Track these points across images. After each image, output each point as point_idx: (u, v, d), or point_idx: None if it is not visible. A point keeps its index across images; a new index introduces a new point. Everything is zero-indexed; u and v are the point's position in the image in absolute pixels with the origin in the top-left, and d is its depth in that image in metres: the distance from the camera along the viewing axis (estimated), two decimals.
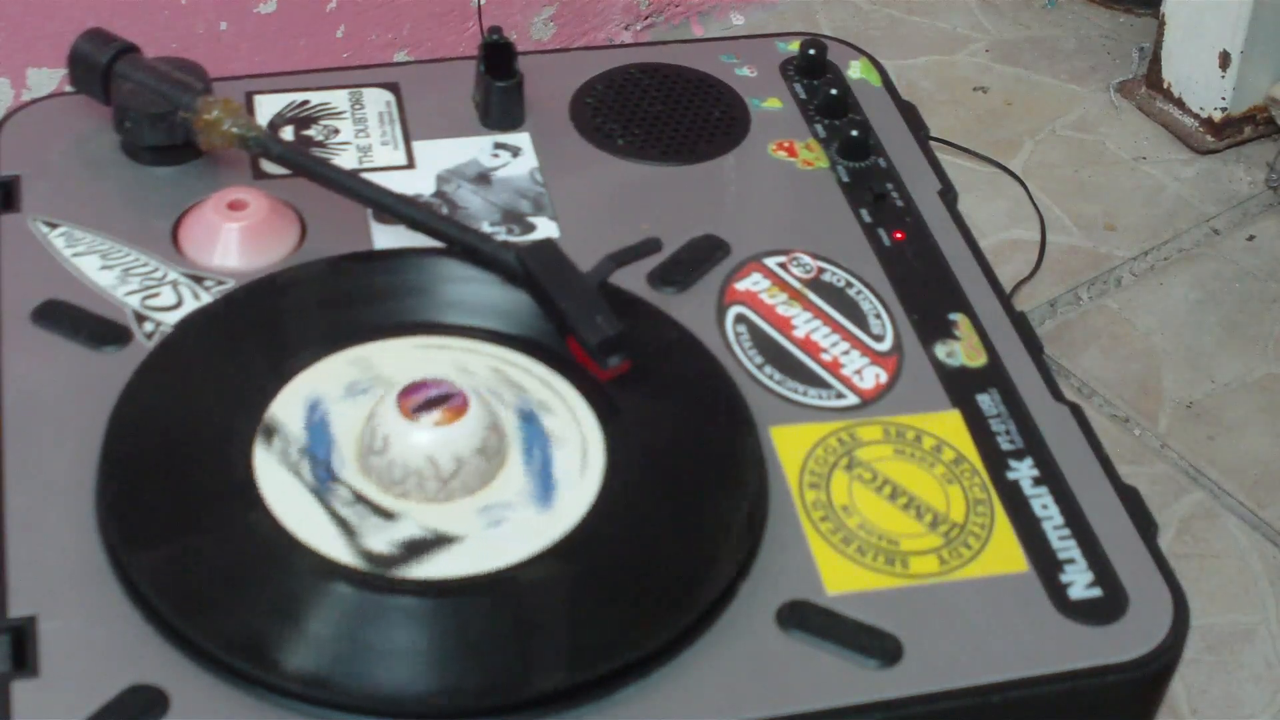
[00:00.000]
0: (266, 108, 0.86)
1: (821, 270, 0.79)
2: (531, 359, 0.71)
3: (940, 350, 0.75)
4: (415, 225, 0.76)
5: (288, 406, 0.69)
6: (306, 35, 1.40)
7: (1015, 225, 1.43)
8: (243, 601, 0.61)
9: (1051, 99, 1.59)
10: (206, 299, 0.74)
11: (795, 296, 0.77)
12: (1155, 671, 0.64)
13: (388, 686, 0.59)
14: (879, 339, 0.76)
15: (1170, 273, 1.41)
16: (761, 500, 0.67)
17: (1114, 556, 0.67)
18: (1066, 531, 0.68)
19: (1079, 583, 0.66)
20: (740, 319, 0.76)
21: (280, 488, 0.65)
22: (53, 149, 0.82)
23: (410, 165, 0.83)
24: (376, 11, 1.43)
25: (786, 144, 0.87)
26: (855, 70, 0.93)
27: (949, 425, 0.72)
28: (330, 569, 0.62)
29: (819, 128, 0.88)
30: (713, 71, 0.91)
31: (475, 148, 0.85)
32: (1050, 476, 0.70)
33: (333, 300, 0.74)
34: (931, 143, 0.89)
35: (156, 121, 0.79)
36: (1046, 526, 0.68)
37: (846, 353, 0.75)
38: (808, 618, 0.63)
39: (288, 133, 0.84)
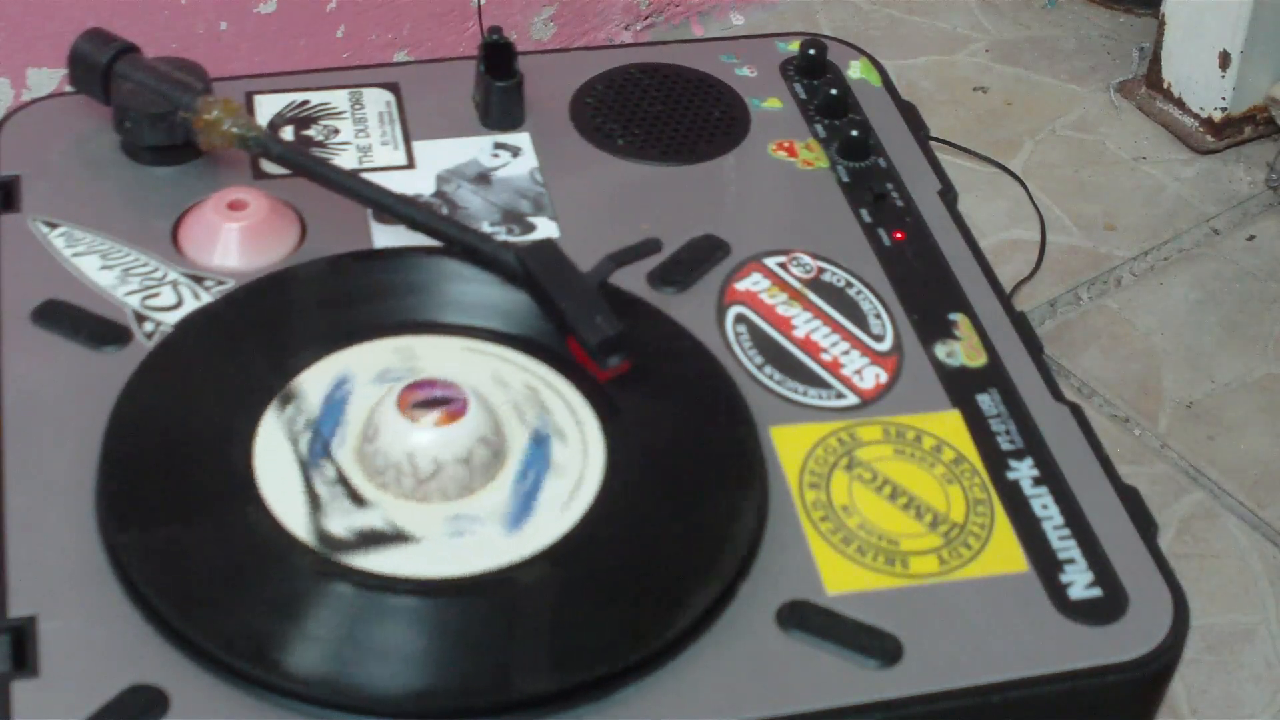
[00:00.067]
0: (266, 108, 0.86)
1: (821, 270, 0.79)
2: (566, 380, 0.70)
3: (940, 350, 0.75)
4: (415, 225, 0.76)
5: (317, 379, 0.69)
6: (306, 35, 1.40)
7: (1015, 225, 1.43)
8: (243, 601, 0.61)
9: (1051, 99, 1.59)
10: (206, 299, 0.74)
11: (795, 296, 0.77)
12: (1155, 671, 0.64)
13: (387, 686, 0.59)
14: (879, 339, 0.76)
15: (1170, 273, 1.41)
16: (761, 500, 0.67)
17: (1114, 556, 0.67)
18: (1066, 531, 0.68)
19: (1079, 583, 0.66)
20: (740, 319, 0.76)
21: (270, 453, 0.66)
22: (53, 149, 0.82)
23: (410, 165, 0.83)
24: (376, 11, 1.43)
25: (786, 144, 0.87)
26: (855, 70, 0.93)
27: (949, 425, 0.72)
28: (278, 540, 0.62)
29: (819, 128, 0.88)
30: (713, 71, 0.91)
31: (475, 148, 0.85)
32: (1050, 476, 0.70)
33: (333, 300, 0.74)
34: (931, 143, 0.89)
35: (156, 121, 0.79)
36: (1046, 526, 0.68)
37: (846, 353, 0.75)
38: (808, 618, 0.63)
39: (288, 133, 0.84)
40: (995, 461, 0.70)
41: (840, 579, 0.65)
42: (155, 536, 0.63)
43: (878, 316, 0.77)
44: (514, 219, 0.81)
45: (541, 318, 0.72)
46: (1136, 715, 0.66)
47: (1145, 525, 0.68)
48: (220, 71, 0.84)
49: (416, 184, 0.82)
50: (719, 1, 1.65)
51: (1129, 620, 0.64)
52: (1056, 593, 0.65)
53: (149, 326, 0.73)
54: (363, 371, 0.70)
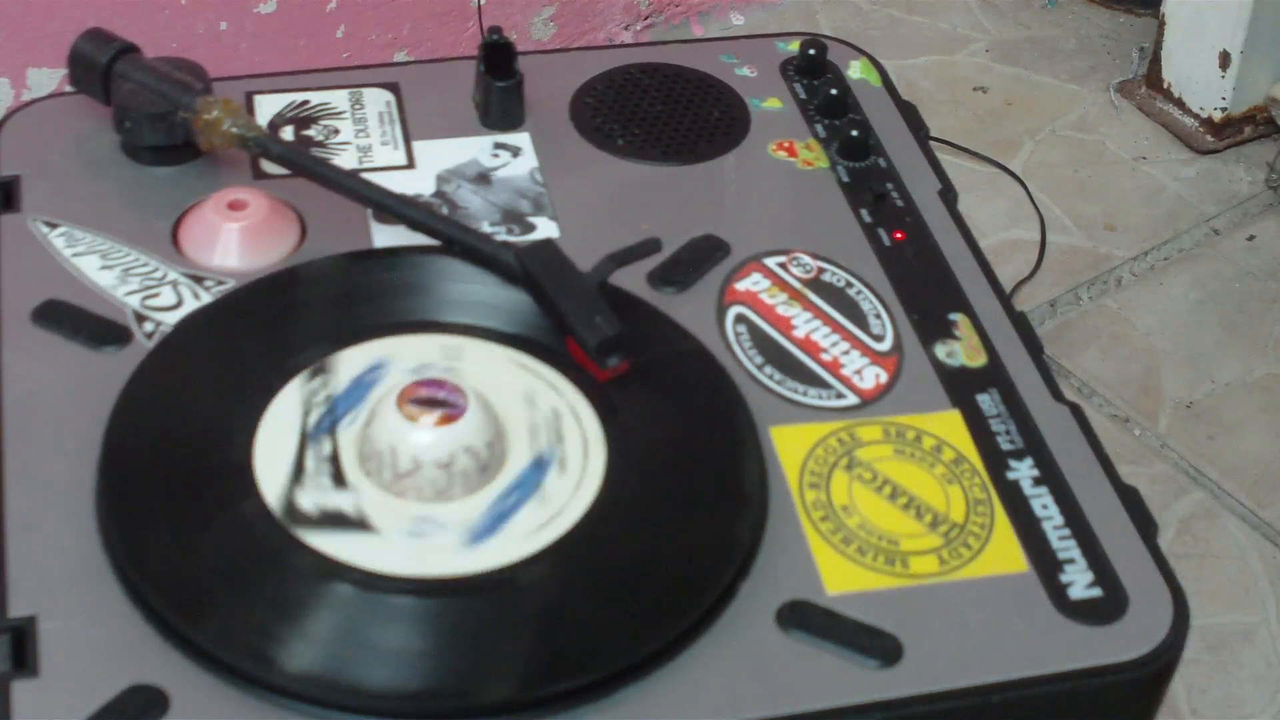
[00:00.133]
0: (266, 108, 0.86)
1: (821, 270, 0.79)
2: (595, 414, 0.70)
3: (940, 350, 0.75)
4: (415, 225, 0.76)
5: (355, 359, 0.70)
6: (306, 35, 1.40)
7: (1015, 225, 1.43)
8: (243, 601, 0.61)
9: (1051, 99, 1.59)
10: (206, 299, 0.74)
11: (795, 296, 0.77)
12: (1155, 671, 0.64)
13: (388, 687, 0.59)
14: (879, 339, 0.76)
15: (1170, 273, 1.41)
16: (761, 500, 0.67)
17: (1114, 556, 0.67)
18: (1066, 531, 0.68)
19: (1079, 583, 0.66)
20: (740, 319, 0.76)
21: (278, 417, 0.67)
22: (53, 149, 0.82)
23: (410, 165, 0.83)
24: (376, 11, 1.43)
25: (786, 144, 0.87)
26: (855, 70, 0.93)
27: (949, 425, 0.72)
28: (251, 507, 0.63)
29: (819, 128, 0.88)
30: (713, 71, 0.91)
31: (475, 148, 0.85)
32: (1050, 476, 0.70)
33: (333, 299, 0.74)
34: (931, 143, 0.89)
35: (156, 121, 0.79)
36: (1046, 526, 0.68)
37: (846, 353, 0.75)
38: (808, 618, 0.63)
39: (288, 133, 0.84)
40: (995, 461, 0.70)
41: (840, 579, 0.65)
42: (155, 536, 0.63)
43: (878, 316, 0.77)
44: (514, 219, 0.81)
45: (541, 316, 0.72)
46: (1136, 715, 0.66)
47: (1145, 525, 0.68)
48: (220, 71, 0.84)
49: (416, 184, 0.82)
50: (719, 1, 1.65)
51: (1129, 620, 0.64)
52: (1056, 593, 0.65)
53: (149, 326, 0.73)
54: (401, 360, 0.70)
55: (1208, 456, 1.24)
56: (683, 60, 0.92)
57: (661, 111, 0.88)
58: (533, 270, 0.72)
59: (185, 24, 1.33)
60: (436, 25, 1.47)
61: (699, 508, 0.66)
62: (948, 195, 0.84)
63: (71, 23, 1.10)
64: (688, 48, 0.94)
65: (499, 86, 0.85)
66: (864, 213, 0.82)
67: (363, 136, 0.85)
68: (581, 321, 0.70)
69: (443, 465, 0.65)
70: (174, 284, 0.75)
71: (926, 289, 0.78)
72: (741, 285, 0.78)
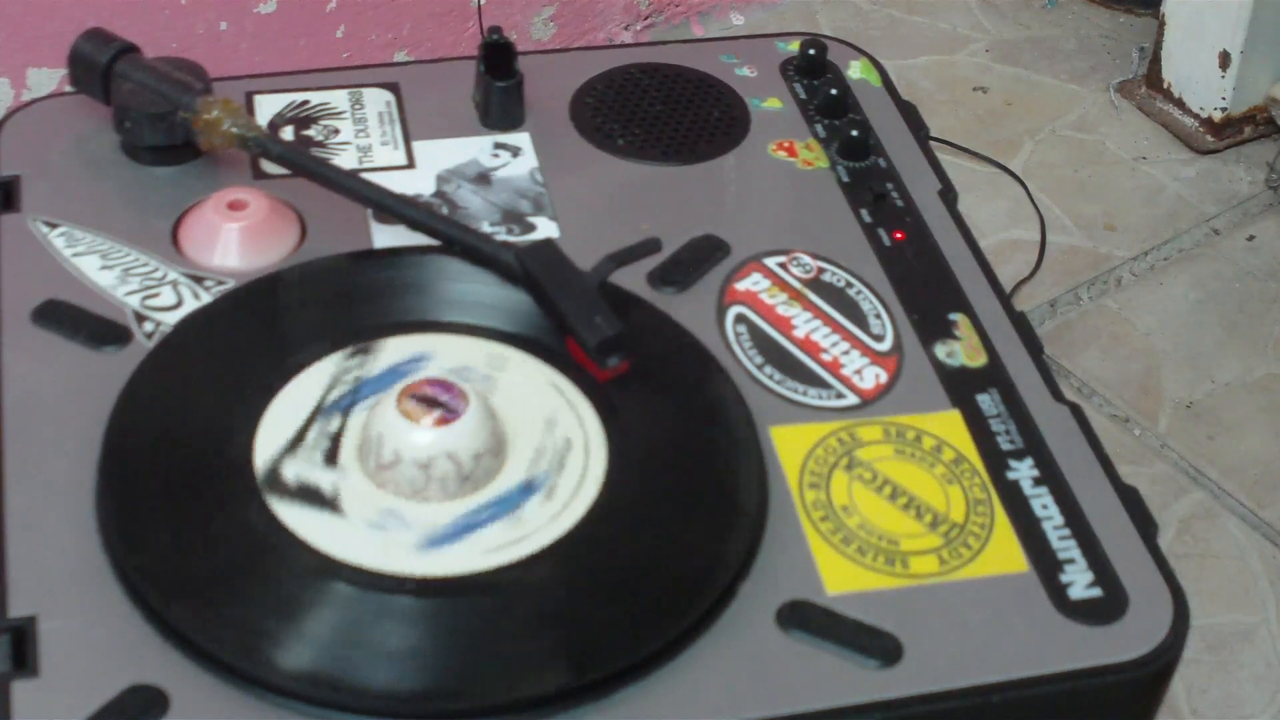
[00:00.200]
0: (266, 108, 0.86)
1: (821, 270, 0.79)
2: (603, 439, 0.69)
3: (940, 350, 0.75)
4: (415, 225, 0.76)
5: (399, 346, 0.70)
6: (306, 35, 1.40)
7: (1015, 225, 1.43)
8: (243, 601, 0.61)
9: (1051, 99, 1.59)
10: (206, 299, 0.74)
11: (795, 296, 0.77)
12: (1155, 671, 0.64)
13: (388, 686, 0.59)
14: (879, 339, 0.76)
15: (1170, 273, 1.41)
16: (761, 500, 0.67)
17: (1114, 556, 0.67)
18: (1066, 531, 0.68)
19: (1079, 583, 0.66)
20: (740, 319, 0.76)
21: (301, 388, 0.68)
22: (53, 149, 0.82)
23: (410, 165, 0.83)
24: (376, 11, 1.43)
25: (786, 144, 0.87)
26: (855, 70, 0.93)
27: (949, 425, 0.72)
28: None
29: (819, 128, 0.88)
30: (713, 71, 0.91)
31: (475, 148, 0.85)
32: (1050, 476, 0.70)
33: (333, 299, 0.74)
34: (931, 143, 0.89)
35: (156, 121, 0.79)
36: (1046, 526, 0.68)
37: (846, 353, 0.75)
38: (808, 618, 0.63)
39: (288, 133, 0.84)
40: (995, 461, 0.70)
41: (840, 579, 0.65)
42: (155, 537, 0.63)
43: (878, 316, 0.77)
44: (514, 219, 0.81)
45: (541, 316, 0.72)
46: (1136, 715, 0.66)
47: (1145, 525, 0.68)
48: (220, 71, 0.84)
49: (416, 184, 0.82)
50: (719, 1, 1.65)
51: (1129, 620, 0.64)
52: (1056, 593, 0.65)
53: (149, 326, 0.73)
54: (443, 358, 0.70)
55: (1208, 456, 1.24)
56: (683, 60, 0.92)
57: (661, 111, 0.88)
58: (533, 270, 0.72)
59: (185, 24, 1.33)
60: (436, 25, 1.47)
61: (699, 508, 0.66)
62: (948, 195, 0.84)
63: (71, 23, 1.10)
64: (688, 48, 0.94)
65: (499, 86, 0.85)
66: (864, 213, 0.82)
67: (363, 136, 0.85)
68: (581, 321, 0.70)
69: (421, 465, 0.65)
70: (174, 284, 0.75)
71: (926, 289, 0.78)
72: (741, 285, 0.78)
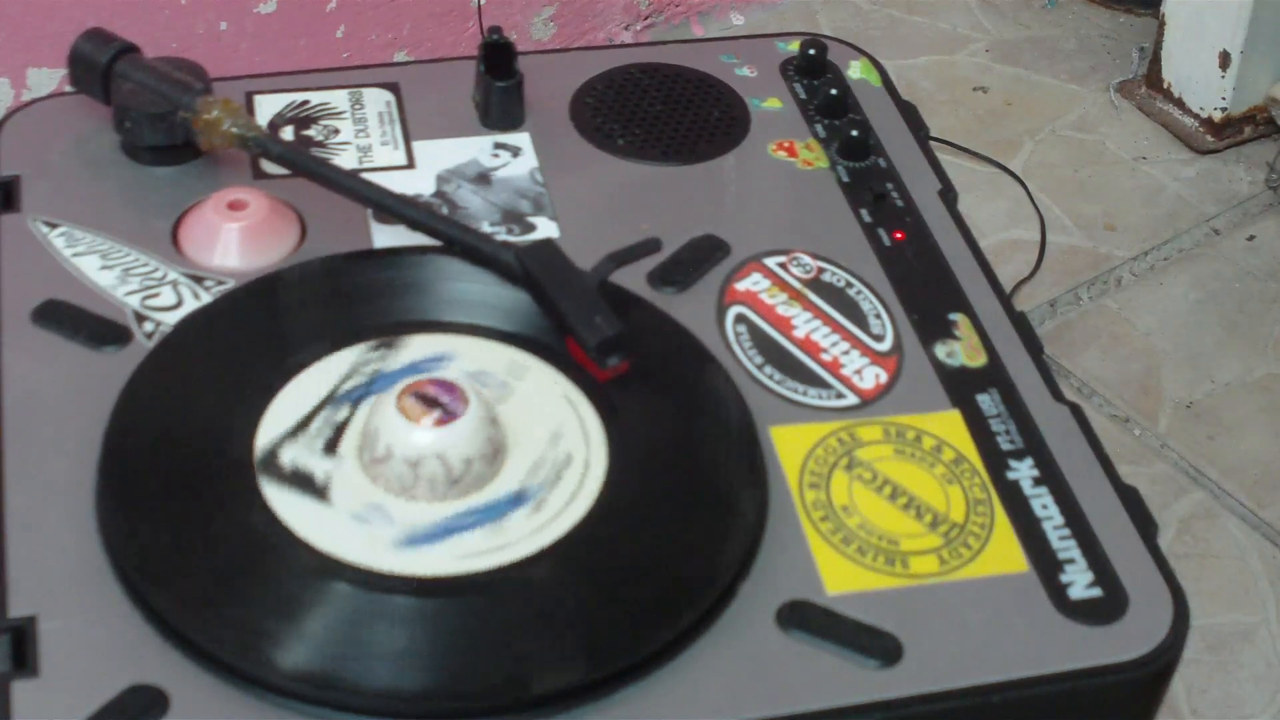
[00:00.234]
0: (266, 108, 0.86)
1: (821, 270, 0.79)
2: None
3: (940, 350, 0.75)
4: (415, 225, 0.76)
5: (423, 345, 0.71)
6: (306, 35, 1.40)
7: (1015, 225, 1.43)
8: (243, 601, 0.61)
9: (1051, 99, 1.59)
10: (206, 299, 0.74)
11: (795, 296, 0.77)
12: (1155, 671, 0.64)
13: (387, 686, 0.59)
14: (879, 339, 0.76)
15: (1170, 273, 1.41)
16: (761, 500, 0.67)
17: (1114, 556, 0.67)
18: (1066, 531, 0.68)
19: (1079, 583, 0.66)
20: (740, 319, 0.76)
21: (318, 375, 0.69)
22: (53, 149, 0.82)
23: (410, 165, 0.83)
24: (376, 11, 1.43)
25: (786, 144, 0.87)
26: (855, 70, 0.93)
27: (949, 425, 0.72)
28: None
29: (819, 128, 0.88)
30: (713, 71, 0.91)
31: (475, 148, 0.85)
32: (1050, 476, 0.70)
33: (333, 299, 0.74)
34: (931, 143, 0.89)
35: (156, 121, 0.79)
36: (1046, 526, 0.68)
37: (846, 353, 0.75)
38: (808, 618, 0.63)
39: (288, 133, 0.84)
40: (995, 461, 0.70)
41: (840, 579, 0.65)
42: (155, 536, 0.63)
43: (878, 316, 0.77)
44: (514, 219, 0.81)
45: (541, 316, 0.72)
46: (1136, 715, 0.66)
47: (1145, 525, 0.68)
48: (220, 71, 0.84)
49: (416, 184, 0.82)
50: (719, 1, 1.65)
51: (1129, 620, 0.64)
52: (1056, 593, 0.65)
53: (149, 326, 0.73)
54: (464, 362, 0.70)
55: (1208, 456, 1.24)
56: (683, 60, 0.92)
57: (661, 111, 0.88)
58: (533, 270, 0.72)
59: (185, 24, 1.33)
60: (436, 25, 1.47)
61: (699, 508, 0.66)
62: (948, 195, 0.84)
63: (71, 23, 1.10)
64: (688, 48, 0.94)
65: (499, 86, 0.85)
66: (864, 213, 0.82)
67: (363, 136, 0.85)
68: (581, 321, 0.70)
69: (411, 463, 0.65)
70: (174, 284, 0.75)
71: (926, 289, 0.78)
72: (741, 285, 0.78)
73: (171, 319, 0.73)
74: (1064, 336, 1.34)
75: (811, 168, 0.85)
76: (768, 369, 0.73)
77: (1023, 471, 0.70)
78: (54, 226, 0.78)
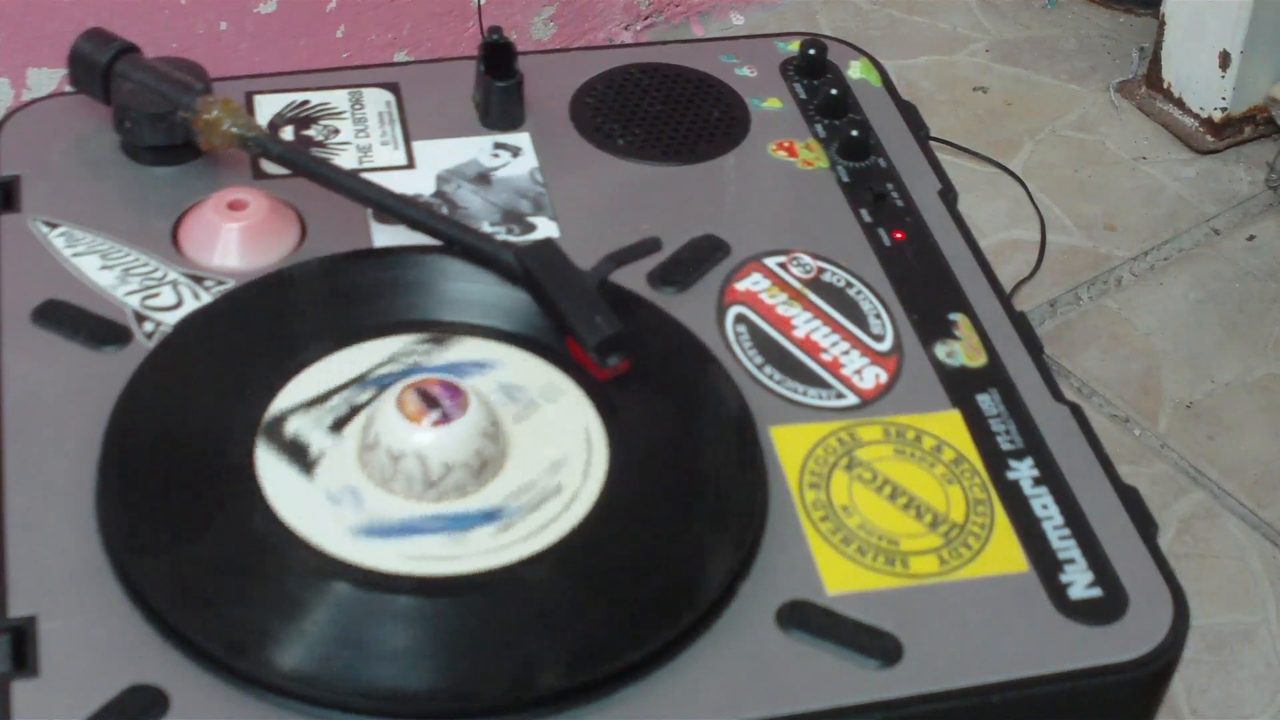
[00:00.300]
0: (266, 108, 0.86)
1: (821, 270, 0.79)
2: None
3: (940, 350, 0.75)
4: (415, 225, 0.76)
5: (472, 348, 0.71)
6: (306, 35, 1.40)
7: (1015, 225, 1.43)
8: (243, 601, 0.61)
9: (1051, 99, 1.59)
10: (206, 299, 0.74)
11: (795, 296, 0.77)
12: (1155, 671, 0.64)
13: (387, 686, 0.59)
14: (879, 339, 0.76)
15: (1170, 273, 1.41)
16: (761, 500, 0.67)
17: (1114, 556, 0.67)
18: (1066, 531, 0.68)
19: (1079, 583, 0.66)
20: (740, 319, 0.76)
21: (344, 361, 0.70)
22: (53, 149, 0.82)
23: (410, 165, 0.83)
24: (376, 11, 1.43)
25: (786, 144, 0.87)
26: (855, 70, 0.93)
27: (949, 425, 0.72)
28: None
29: (819, 128, 0.88)
30: (713, 71, 0.91)
31: (475, 148, 0.85)
32: (1050, 476, 0.70)
33: (333, 299, 0.74)
34: (931, 143, 0.89)
35: (156, 121, 0.79)
36: (1046, 526, 0.68)
37: (846, 353, 0.75)
38: (808, 618, 0.63)
39: (288, 133, 0.84)
40: (995, 461, 0.70)
41: (840, 579, 0.65)
42: (155, 537, 0.63)
43: (878, 316, 0.77)
44: (514, 219, 0.81)
45: (541, 316, 0.72)
46: (1136, 715, 0.66)
47: (1145, 525, 0.68)
48: (220, 71, 0.84)
49: (416, 184, 0.82)
50: (719, 1, 1.65)
51: (1129, 620, 0.64)
52: (1056, 593, 0.65)
53: (149, 326, 0.73)
54: (504, 373, 0.70)
55: (1208, 456, 1.24)
56: (683, 60, 0.92)
57: (661, 111, 0.88)
58: (533, 270, 0.72)
59: (185, 24, 1.33)
60: (436, 25, 1.47)
61: (699, 508, 0.66)
62: (948, 195, 0.84)
63: (71, 23, 1.10)
64: (688, 48, 0.94)
65: (499, 86, 0.85)
66: (864, 213, 0.82)
67: (363, 136, 0.85)
68: (581, 321, 0.70)
69: (392, 456, 0.65)
70: (174, 284, 0.75)
71: (926, 289, 0.78)
72: (741, 285, 0.78)
73: (171, 319, 0.73)
74: (1064, 336, 1.34)
75: (811, 168, 0.85)
76: (768, 369, 0.73)
77: (1023, 471, 0.70)
78: (54, 226, 0.78)
